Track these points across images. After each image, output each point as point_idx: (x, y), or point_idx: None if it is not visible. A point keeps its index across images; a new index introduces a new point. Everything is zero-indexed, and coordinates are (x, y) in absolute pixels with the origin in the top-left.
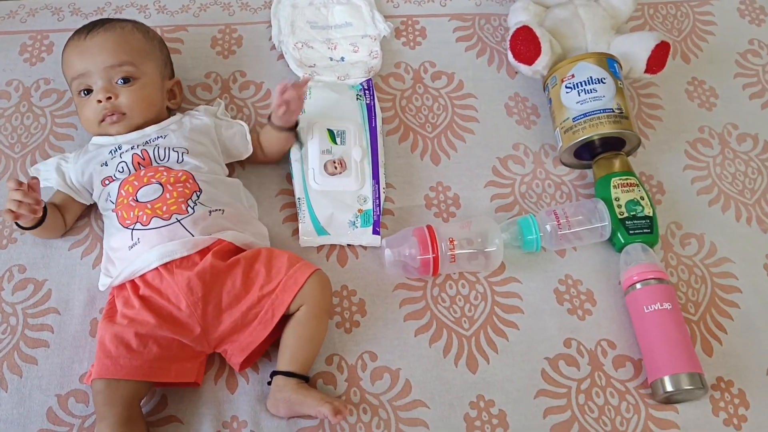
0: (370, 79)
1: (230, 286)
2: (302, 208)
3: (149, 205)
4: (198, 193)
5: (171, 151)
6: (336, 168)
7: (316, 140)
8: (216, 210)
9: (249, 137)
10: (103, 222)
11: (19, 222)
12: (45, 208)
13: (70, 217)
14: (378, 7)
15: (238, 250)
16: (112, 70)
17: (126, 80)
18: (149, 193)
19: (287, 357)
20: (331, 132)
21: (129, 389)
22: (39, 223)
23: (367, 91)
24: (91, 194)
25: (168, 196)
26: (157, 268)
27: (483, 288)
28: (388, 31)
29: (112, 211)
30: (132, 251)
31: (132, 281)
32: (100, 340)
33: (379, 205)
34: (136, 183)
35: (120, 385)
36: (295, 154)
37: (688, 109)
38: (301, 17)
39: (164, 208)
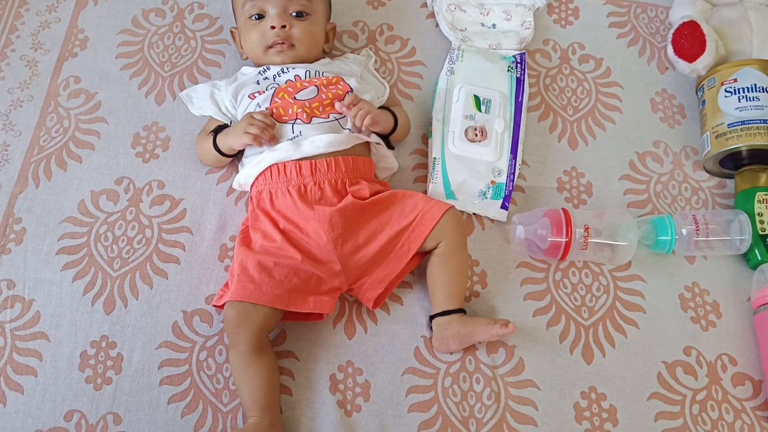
0: (523, 53)
1: (368, 221)
2: (436, 169)
3: (307, 104)
4: (351, 93)
5: (321, 74)
6: (476, 135)
7: (461, 104)
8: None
9: (384, 100)
10: (242, 152)
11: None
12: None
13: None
14: None
15: (376, 186)
16: (290, 0)
17: (300, 14)
18: (305, 94)
19: (442, 296)
20: (477, 98)
21: (262, 317)
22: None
23: (519, 65)
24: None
25: (323, 96)
26: (296, 204)
27: (606, 281)
28: (543, 3)
29: (267, 109)
30: (293, 142)
31: (269, 215)
32: (241, 264)
33: (513, 181)
34: (290, 90)
35: (255, 311)
36: (438, 113)
37: None
38: None
39: (321, 108)
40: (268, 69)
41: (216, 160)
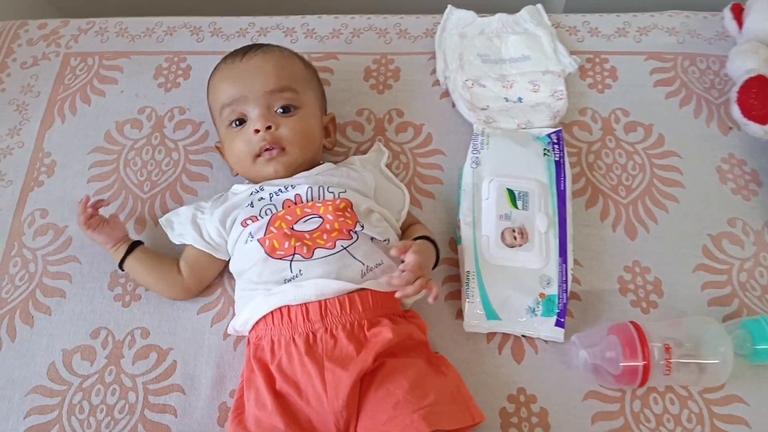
0: (560, 131)
1: (383, 397)
2: (471, 285)
3: (308, 236)
4: (361, 224)
5: (326, 191)
6: (515, 239)
7: (493, 202)
8: (381, 240)
9: (404, 212)
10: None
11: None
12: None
13: (206, 276)
14: (560, 41)
15: (402, 327)
16: (272, 96)
17: (286, 109)
18: (306, 224)
19: None
20: (511, 193)
21: None
22: (127, 253)
23: (556, 146)
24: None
25: (329, 227)
26: (302, 360)
27: (698, 407)
28: (575, 67)
29: (259, 241)
30: (294, 284)
31: (266, 369)
32: None
33: (566, 291)
34: (289, 217)
35: None
36: (466, 215)
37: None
38: (471, 49)
39: (325, 237)
40: (262, 189)
41: (164, 281)
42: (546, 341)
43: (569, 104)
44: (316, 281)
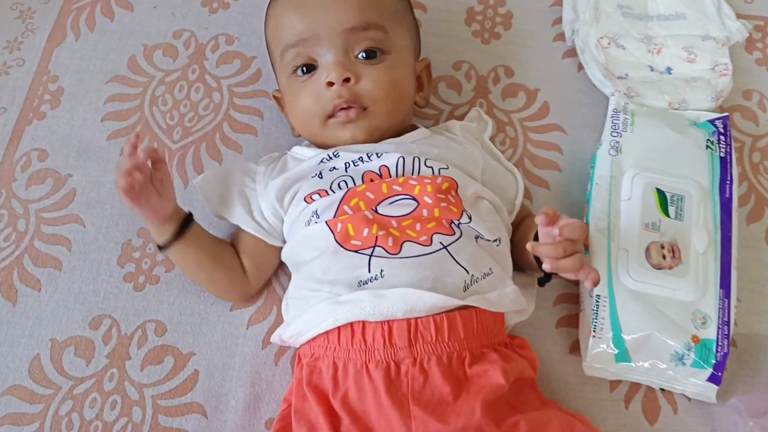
0: (725, 117)
1: None
2: (601, 315)
3: (395, 222)
4: (468, 214)
5: (423, 164)
6: (665, 258)
7: (637, 203)
8: (491, 240)
9: (519, 202)
10: (287, 274)
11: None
12: (188, 218)
13: (268, 269)
14: None
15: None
16: (353, 35)
17: (371, 54)
18: (396, 207)
19: None
20: (661, 195)
21: None
22: (177, 233)
23: (722, 137)
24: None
25: (425, 213)
26: (378, 398)
27: None
28: (745, 35)
29: (327, 223)
30: (372, 292)
31: (325, 403)
32: None
33: (728, 336)
34: (371, 195)
35: None
36: (599, 218)
37: None
38: None
39: (419, 227)
40: (337, 155)
41: (223, 281)
42: (689, 398)
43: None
44: (405, 291)
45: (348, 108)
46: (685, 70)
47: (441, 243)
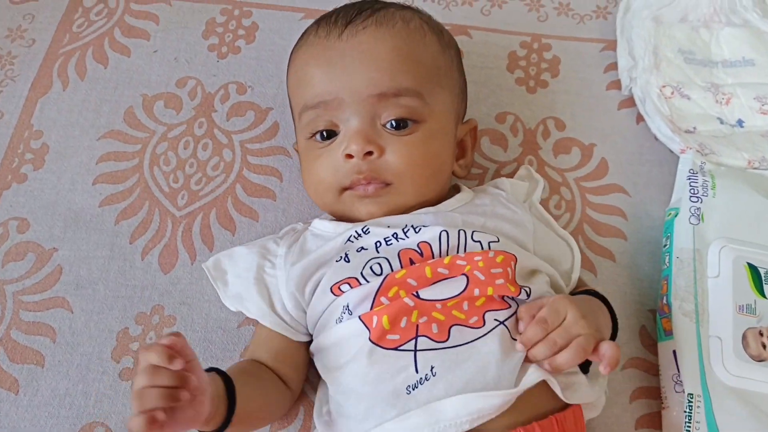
0: None
1: None
2: (696, 417)
3: (439, 305)
4: (527, 290)
5: (470, 239)
6: (765, 347)
7: (728, 283)
8: None
9: (575, 275)
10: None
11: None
12: (229, 383)
13: (302, 366)
14: None
15: None
16: (382, 101)
17: (401, 124)
18: (441, 290)
19: None
20: (754, 271)
21: None
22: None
23: None
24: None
25: (477, 291)
26: None
27: None
28: None
29: (362, 318)
30: (425, 409)
31: None
32: None
33: None
34: (413, 282)
35: None
36: (684, 300)
37: None
38: (670, 41)
39: (466, 306)
40: (367, 232)
41: (276, 412)
42: None
43: None
44: (465, 398)
45: (368, 183)
46: (758, 122)
47: (496, 320)
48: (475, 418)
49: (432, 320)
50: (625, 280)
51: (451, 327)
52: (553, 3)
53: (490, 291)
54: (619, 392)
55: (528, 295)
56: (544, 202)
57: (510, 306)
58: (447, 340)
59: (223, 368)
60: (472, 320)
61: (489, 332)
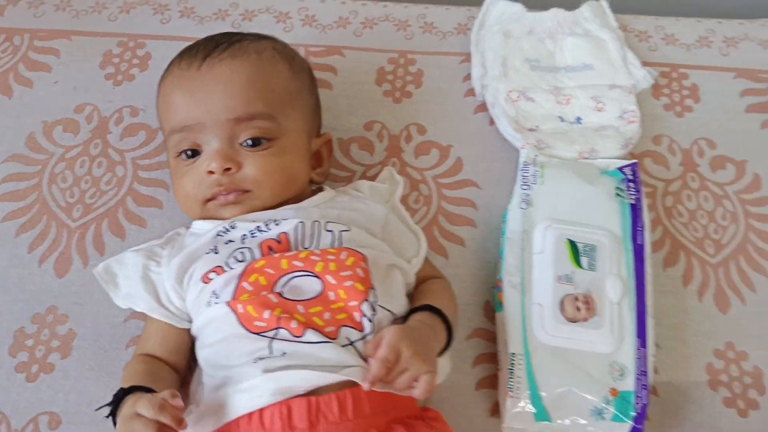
0: (635, 164)
1: None
2: (517, 373)
3: (301, 308)
4: (375, 291)
5: (323, 228)
6: (579, 310)
7: (550, 257)
8: (399, 318)
9: (417, 265)
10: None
11: None
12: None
13: (182, 361)
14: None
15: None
16: (239, 124)
17: (256, 142)
18: (298, 287)
19: None
20: (573, 246)
21: None
22: None
23: (631, 184)
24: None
25: (332, 296)
26: None
27: None
28: (650, 82)
29: (228, 305)
30: (269, 376)
31: None
32: None
33: (646, 386)
34: (270, 271)
35: None
36: (512, 274)
37: None
38: (517, 53)
39: (327, 316)
40: (234, 227)
41: None
42: None
43: (642, 130)
44: (304, 373)
45: (228, 193)
46: (594, 119)
47: (348, 338)
48: (308, 388)
49: (293, 318)
50: (473, 262)
51: (307, 328)
52: (419, 22)
53: (343, 294)
54: (464, 359)
55: (376, 297)
56: (404, 199)
57: (364, 329)
58: (302, 336)
59: (114, 358)
60: (328, 329)
61: (339, 346)
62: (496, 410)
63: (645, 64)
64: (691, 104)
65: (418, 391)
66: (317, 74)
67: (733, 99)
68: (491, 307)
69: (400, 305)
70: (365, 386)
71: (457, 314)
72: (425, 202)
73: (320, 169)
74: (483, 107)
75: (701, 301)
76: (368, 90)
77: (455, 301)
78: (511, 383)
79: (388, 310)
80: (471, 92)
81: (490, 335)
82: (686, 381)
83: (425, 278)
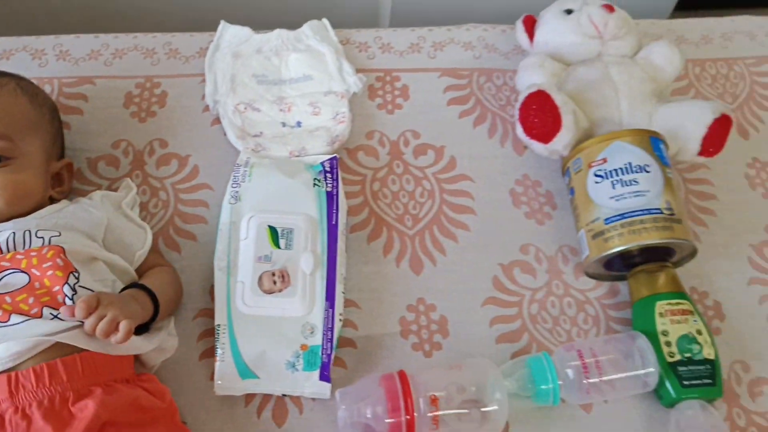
0: (334, 158)
1: None
2: (222, 340)
3: (8, 298)
4: (76, 274)
5: (34, 236)
6: (275, 283)
7: (252, 241)
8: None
9: (141, 255)
10: None
11: None
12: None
13: None
14: (348, 58)
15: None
16: None
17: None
18: (8, 283)
19: None
20: (273, 231)
21: None
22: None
23: (329, 174)
24: None
25: (37, 285)
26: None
27: None
28: (360, 86)
29: None
30: None
31: None
32: None
33: (331, 340)
34: None
35: None
36: (220, 259)
37: (750, 201)
38: (245, 70)
39: (32, 300)
40: None
41: None
42: (313, 399)
43: (356, 128)
44: (6, 345)
45: None
46: (312, 122)
47: (51, 314)
48: (11, 360)
49: (1, 308)
50: (203, 254)
51: (12, 313)
52: (165, 49)
53: (47, 282)
54: (190, 336)
55: (77, 279)
56: (144, 204)
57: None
58: (8, 321)
59: None
60: (33, 311)
61: (44, 321)
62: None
63: (363, 71)
64: (402, 102)
65: (119, 335)
66: (69, 102)
67: (438, 95)
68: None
69: (106, 287)
70: (63, 312)
71: (180, 296)
72: (163, 206)
73: (60, 188)
74: (218, 120)
75: (399, 267)
76: (116, 113)
77: (175, 285)
78: (218, 350)
79: (91, 290)
80: (207, 108)
81: (212, 314)
82: (381, 333)
83: (151, 266)
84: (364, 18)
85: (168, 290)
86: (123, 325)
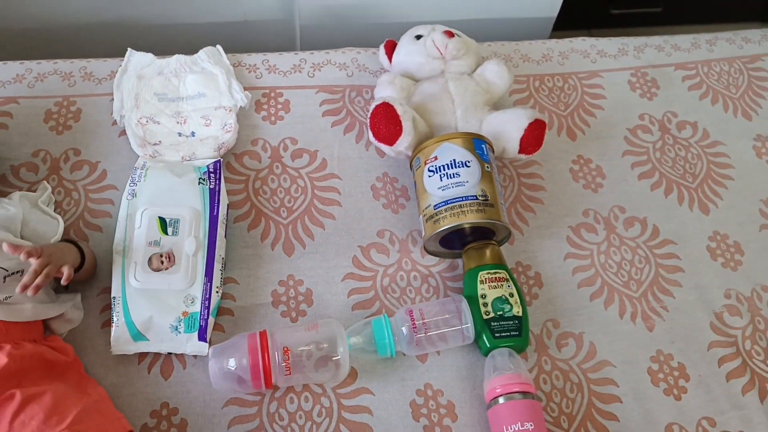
0: (218, 161)
1: (15, 428)
2: (116, 310)
3: None
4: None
5: None
6: (162, 263)
7: (144, 230)
8: (13, 273)
9: (57, 239)
10: None
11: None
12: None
13: None
14: (239, 78)
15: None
16: None
17: None
18: None
19: None
20: (162, 221)
21: None
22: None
23: (212, 174)
24: None
25: None
26: None
27: (329, 401)
28: (245, 101)
29: None
30: None
31: None
32: None
33: (208, 308)
34: None
35: None
36: (118, 245)
37: (572, 191)
38: (148, 89)
39: None
40: None
41: None
42: (195, 357)
43: (243, 136)
44: None
45: None
46: (203, 132)
47: None
48: None
49: None
50: (108, 243)
51: None
52: (81, 73)
53: None
54: (93, 309)
55: None
56: (60, 203)
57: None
58: None
59: None
60: None
61: None
62: None
63: (251, 89)
64: (284, 114)
65: (64, 276)
66: None
67: (314, 108)
68: None
69: (13, 267)
70: (6, 249)
71: (95, 260)
72: (75, 204)
73: None
74: (124, 132)
75: (273, 250)
76: (37, 127)
77: (92, 252)
78: (114, 317)
79: (3, 269)
80: (115, 122)
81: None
82: (255, 304)
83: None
84: (284, 42)
85: (88, 250)
86: (66, 269)
